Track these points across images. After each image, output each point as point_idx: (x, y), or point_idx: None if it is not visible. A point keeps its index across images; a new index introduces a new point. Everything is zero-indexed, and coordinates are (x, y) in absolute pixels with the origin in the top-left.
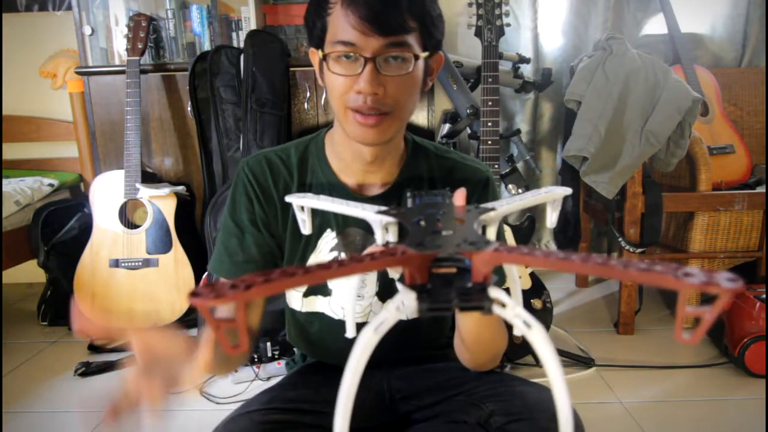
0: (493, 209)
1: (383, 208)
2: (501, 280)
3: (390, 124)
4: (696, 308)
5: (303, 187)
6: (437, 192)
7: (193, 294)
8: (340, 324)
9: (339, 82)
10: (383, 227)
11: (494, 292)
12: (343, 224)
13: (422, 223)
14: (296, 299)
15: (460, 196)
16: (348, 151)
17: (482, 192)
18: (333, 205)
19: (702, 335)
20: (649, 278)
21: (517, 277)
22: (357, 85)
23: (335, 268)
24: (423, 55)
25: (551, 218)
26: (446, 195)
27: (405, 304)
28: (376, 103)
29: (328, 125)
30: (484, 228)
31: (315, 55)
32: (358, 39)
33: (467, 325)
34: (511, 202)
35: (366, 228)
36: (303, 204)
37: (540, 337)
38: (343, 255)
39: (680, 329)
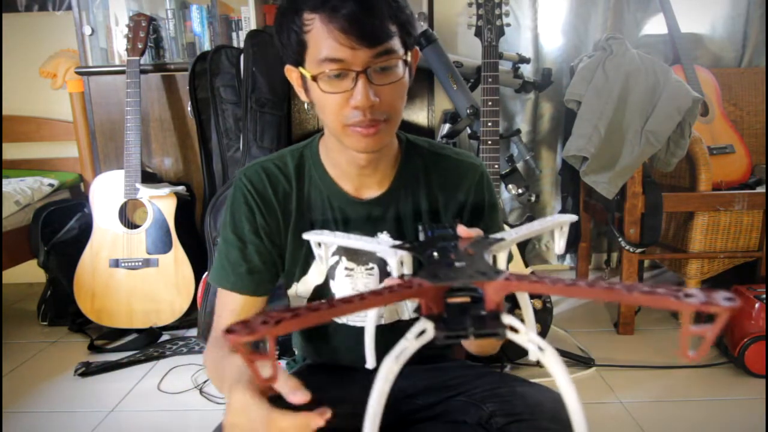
0: (502, 239)
1: (398, 242)
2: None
3: (386, 131)
4: (699, 327)
5: (302, 194)
6: (446, 224)
7: (228, 331)
8: (346, 327)
9: (332, 101)
10: (398, 261)
11: (507, 319)
12: (340, 226)
13: (435, 255)
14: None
15: (462, 230)
16: (342, 157)
17: (478, 187)
18: (349, 241)
19: (706, 352)
20: (653, 301)
21: (529, 302)
22: (353, 100)
23: (357, 302)
24: (408, 57)
25: (559, 244)
26: (453, 225)
27: (424, 333)
28: (374, 114)
29: (321, 131)
30: (494, 257)
31: (293, 72)
32: (346, 54)
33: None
34: (519, 231)
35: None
36: (320, 240)
37: (554, 361)
38: (344, 259)
39: (686, 347)
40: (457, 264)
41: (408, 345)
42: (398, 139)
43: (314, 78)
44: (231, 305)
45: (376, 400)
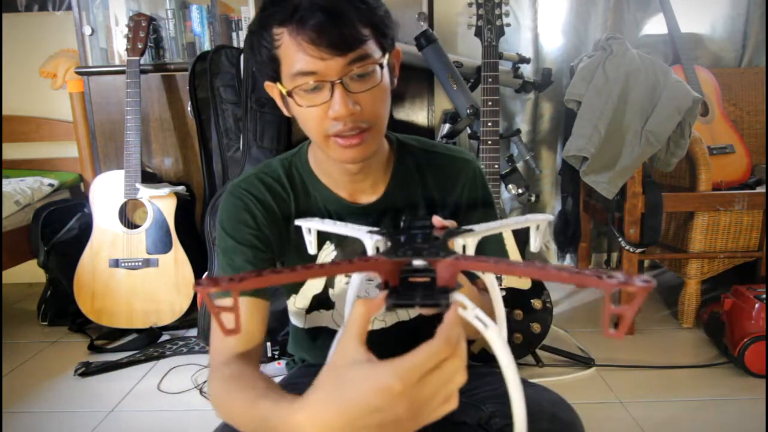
0: (471, 230)
1: (375, 228)
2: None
3: (372, 139)
4: (619, 307)
5: (300, 203)
6: (427, 217)
7: (197, 283)
8: None
9: (311, 114)
10: (374, 245)
11: (456, 296)
12: (341, 237)
13: (403, 239)
14: (299, 317)
15: (435, 219)
16: (333, 166)
17: (472, 182)
18: (334, 226)
19: (625, 331)
20: (578, 279)
21: (496, 284)
22: (332, 111)
23: (316, 269)
24: (384, 60)
25: (534, 243)
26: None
27: (377, 301)
28: (356, 122)
29: (307, 139)
30: (464, 246)
31: (273, 89)
32: (318, 66)
33: None
34: (490, 225)
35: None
36: (310, 227)
37: (496, 338)
38: (351, 287)
39: (607, 325)
40: (416, 246)
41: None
42: (389, 141)
43: (289, 93)
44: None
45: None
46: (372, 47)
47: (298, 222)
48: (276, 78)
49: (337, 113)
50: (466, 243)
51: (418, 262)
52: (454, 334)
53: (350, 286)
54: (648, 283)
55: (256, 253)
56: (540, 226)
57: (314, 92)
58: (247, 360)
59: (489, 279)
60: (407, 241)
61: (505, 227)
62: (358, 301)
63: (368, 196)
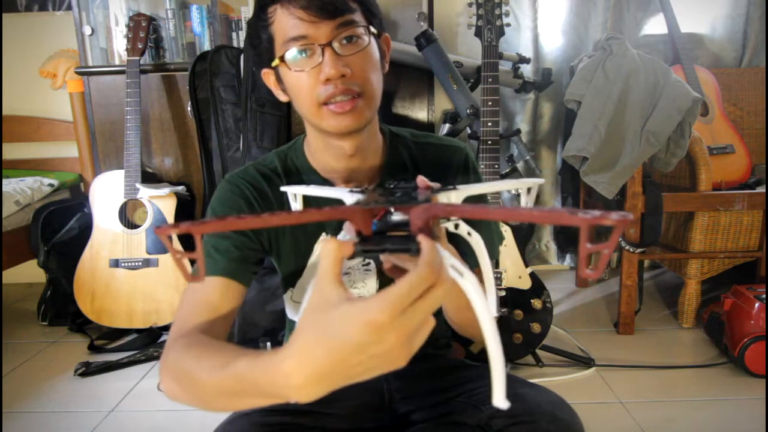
0: (454, 188)
1: (357, 188)
2: (499, 237)
3: (364, 106)
4: (595, 245)
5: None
6: (413, 181)
7: (157, 227)
8: None
9: (303, 80)
10: (354, 202)
11: (425, 240)
12: (337, 228)
13: (382, 195)
14: (296, 309)
15: (420, 179)
16: (328, 153)
17: (464, 170)
18: (317, 190)
19: (603, 269)
20: (549, 217)
21: (484, 249)
22: (322, 74)
23: (284, 216)
24: (373, 29)
25: (525, 205)
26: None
27: (348, 244)
28: (347, 84)
29: (302, 133)
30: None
31: (269, 75)
32: (308, 29)
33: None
34: (479, 186)
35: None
36: (296, 192)
37: (472, 284)
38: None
39: (584, 265)
40: (392, 198)
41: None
42: (382, 133)
43: (282, 59)
44: (202, 292)
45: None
46: (359, 17)
47: (283, 188)
48: (272, 60)
49: (328, 74)
50: (450, 200)
51: (395, 217)
52: (435, 260)
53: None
54: (624, 216)
55: (243, 240)
56: (531, 189)
57: (305, 57)
58: (211, 335)
59: (474, 239)
60: (386, 197)
61: (495, 188)
62: (329, 240)
63: (362, 185)
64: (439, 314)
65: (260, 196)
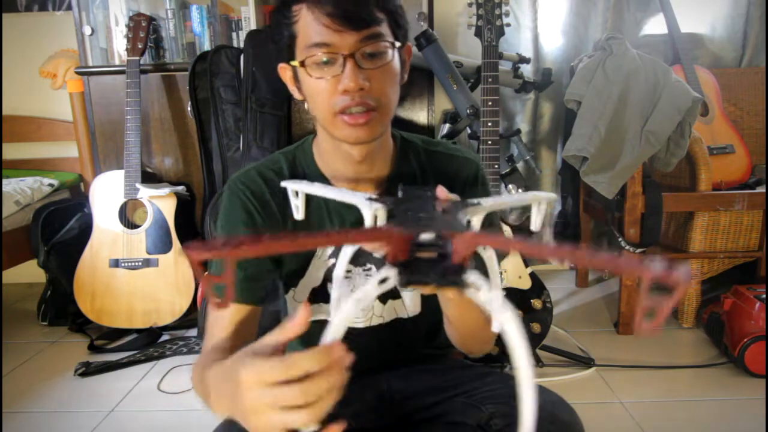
0: (478, 203)
1: (374, 195)
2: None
3: (378, 120)
4: (654, 297)
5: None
6: (426, 187)
7: (185, 246)
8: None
9: (321, 87)
10: (373, 214)
11: (471, 276)
12: (346, 227)
13: (408, 210)
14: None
15: (440, 190)
16: (337, 156)
17: (473, 182)
18: (326, 190)
19: (661, 324)
20: (614, 266)
21: (497, 266)
22: (341, 84)
23: (321, 237)
24: (397, 44)
25: (535, 221)
26: (432, 189)
27: (386, 281)
28: (363, 98)
29: (313, 133)
30: (468, 221)
31: (286, 70)
32: (333, 38)
33: (451, 308)
34: (497, 199)
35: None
36: (297, 189)
37: (510, 319)
38: (341, 259)
39: (641, 319)
40: (426, 216)
41: (370, 288)
42: (393, 138)
43: (302, 63)
44: (223, 318)
45: (331, 337)
46: (385, 30)
47: (284, 183)
48: (291, 57)
49: (347, 86)
50: (472, 219)
51: (426, 236)
52: (328, 352)
53: (338, 265)
54: (689, 278)
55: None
56: (542, 204)
57: (326, 65)
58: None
59: (487, 254)
60: (414, 212)
61: (511, 203)
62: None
63: (369, 191)
64: (438, 318)
65: (261, 206)
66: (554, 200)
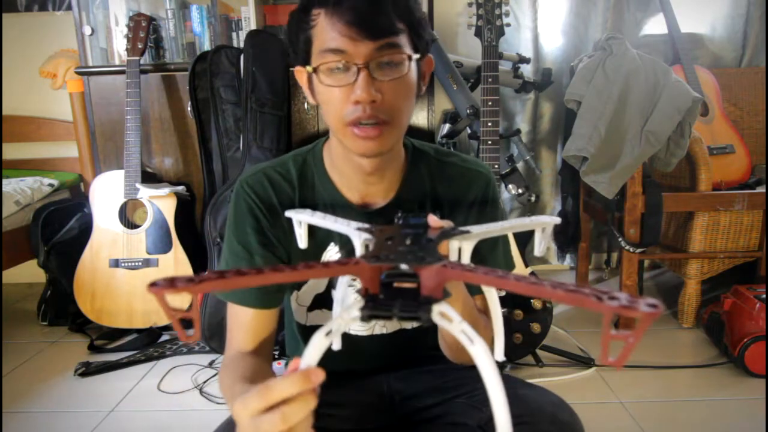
0: (468, 231)
1: (364, 225)
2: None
3: (390, 134)
4: (620, 332)
5: (306, 203)
6: (424, 214)
7: (152, 284)
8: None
9: (333, 95)
10: (363, 244)
11: (440, 307)
12: (346, 238)
13: (390, 240)
14: (301, 314)
15: (431, 219)
16: (347, 164)
17: (484, 194)
18: (323, 221)
19: (626, 360)
20: (575, 300)
21: (497, 297)
22: (353, 95)
23: (288, 272)
24: (415, 56)
25: (538, 247)
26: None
27: (352, 312)
28: (375, 111)
29: (325, 135)
30: (459, 249)
31: (302, 74)
32: (348, 45)
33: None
34: (490, 227)
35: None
36: (300, 219)
37: (483, 353)
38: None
39: (606, 353)
40: (401, 249)
41: (341, 323)
42: (405, 147)
43: (315, 70)
44: (242, 319)
45: (305, 363)
46: (403, 41)
47: (288, 213)
48: (306, 61)
49: (359, 97)
50: (462, 246)
51: (404, 266)
52: (305, 376)
53: (338, 285)
54: (655, 308)
55: (261, 258)
56: (546, 228)
57: (340, 73)
58: (253, 354)
59: (490, 293)
60: (395, 243)
61: (507, 230)
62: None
63: (377, 200)
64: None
65: (268, 210)
66: (557, 222)
